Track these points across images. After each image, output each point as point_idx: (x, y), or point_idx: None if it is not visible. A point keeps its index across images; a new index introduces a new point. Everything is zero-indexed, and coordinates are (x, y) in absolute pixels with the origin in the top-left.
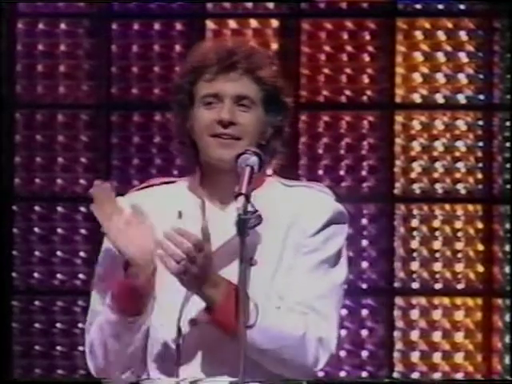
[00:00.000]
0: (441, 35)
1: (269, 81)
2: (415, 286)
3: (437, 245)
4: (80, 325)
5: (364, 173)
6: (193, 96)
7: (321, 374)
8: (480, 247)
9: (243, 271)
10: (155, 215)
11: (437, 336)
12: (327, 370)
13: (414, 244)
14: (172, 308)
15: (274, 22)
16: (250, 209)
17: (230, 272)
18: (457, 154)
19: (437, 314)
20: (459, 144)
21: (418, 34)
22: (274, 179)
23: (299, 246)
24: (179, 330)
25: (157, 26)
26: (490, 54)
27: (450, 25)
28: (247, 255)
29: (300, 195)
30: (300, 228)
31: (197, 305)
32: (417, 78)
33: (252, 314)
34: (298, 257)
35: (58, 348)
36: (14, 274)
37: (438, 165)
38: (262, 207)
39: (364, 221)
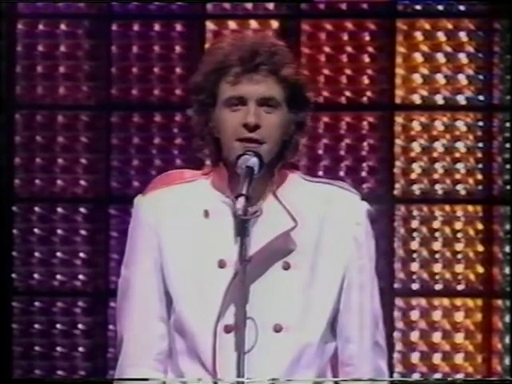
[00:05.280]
0: (441, 36)
1: (292, 79)
2: (415, 286)
3: (437, 246)
4: (80, 326)
5: (364, 174)
6: (215, 96)
7: None
8: (480, 248)
9: (243, 272)
10: (179, 214)
11: (437, 337)
12: None
13: (414, 245)
14: (210, 311)
15: (274, 23)
16: (250, 209)
17: (266, 275)
18: (457, 154)
19: (437, 315)
20: (459, 145)
21: (418, 35)
22: (295, 175)
23: (349, 257)
24: (215, 334)
25: (157, 27)
26: (489, 54)
27: (450, 26)
28: (280, 259)
29: (329, 193)
30: (337, 231)
31: (233, 311)
32: (417, 78)
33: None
34: (351, 269)
35: (58, 349)
36: (13, 275)
37: (437, 166)
38: (288, 204)
39: None
